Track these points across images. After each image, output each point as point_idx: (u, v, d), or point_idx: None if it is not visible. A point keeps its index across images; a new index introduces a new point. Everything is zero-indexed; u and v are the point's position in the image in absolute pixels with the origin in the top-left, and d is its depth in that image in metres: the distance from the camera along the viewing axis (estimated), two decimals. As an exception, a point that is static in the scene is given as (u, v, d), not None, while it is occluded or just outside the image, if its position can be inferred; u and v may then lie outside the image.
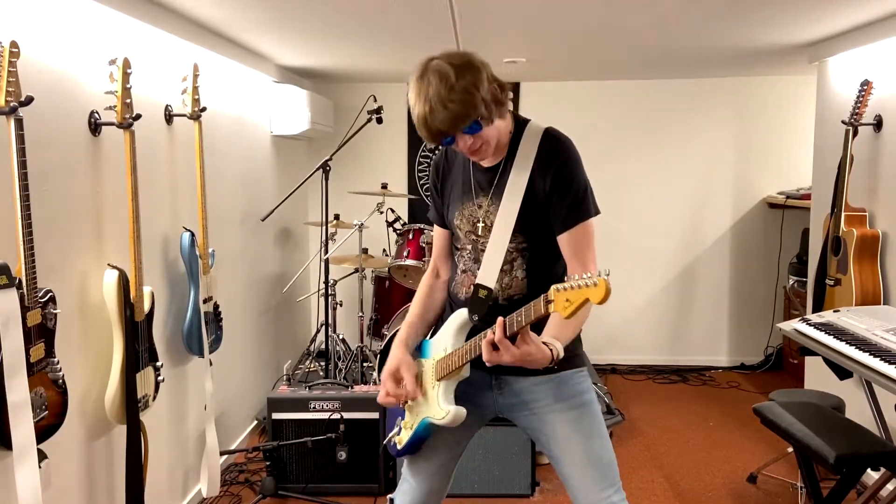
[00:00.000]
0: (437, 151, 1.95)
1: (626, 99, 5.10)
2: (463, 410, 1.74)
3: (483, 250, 1.80)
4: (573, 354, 1.79)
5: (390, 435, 1.93)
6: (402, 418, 1.91)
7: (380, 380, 2.01)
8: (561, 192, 1.74)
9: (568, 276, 1.45)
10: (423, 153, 5.22)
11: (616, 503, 1.73)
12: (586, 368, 1.87)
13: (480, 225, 1.81)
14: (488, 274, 1.78)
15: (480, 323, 1.75)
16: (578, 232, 1.75)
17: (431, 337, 1.91)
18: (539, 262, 1.79)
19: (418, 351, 1.91)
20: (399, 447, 1.90)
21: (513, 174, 1.76)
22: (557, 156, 1.75)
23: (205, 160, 2.92)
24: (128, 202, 2.27)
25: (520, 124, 1.81)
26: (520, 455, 3.15)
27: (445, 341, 1.80)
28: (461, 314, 1.79)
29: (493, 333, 1.56)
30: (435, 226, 2.02)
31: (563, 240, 1.76)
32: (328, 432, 3.14)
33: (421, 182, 5.24)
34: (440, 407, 1.76)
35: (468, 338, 1.74)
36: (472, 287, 1.82)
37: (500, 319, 1.56)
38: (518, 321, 1.53)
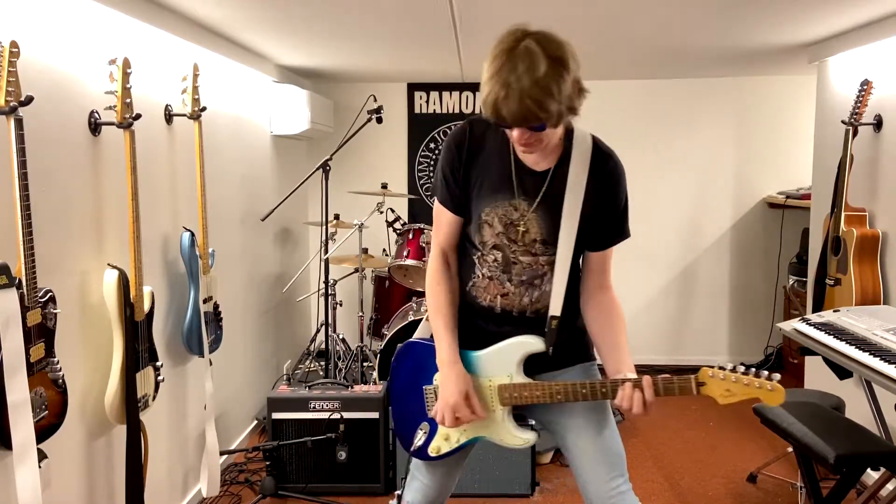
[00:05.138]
0: (467, 124, 1.78)
1: (626, 99, 5.10)
2: (537, 435, 1.82)
3: (515, 263, 1.76)
4: (588, 346, 1.86)
5: (415, 441, 1.87)
6: (427, 423, 1.88)
7: (386, 385, 1.97)
8: (612, 214, 1.76)
9: (721, 367, 1.59)
10: (422, 153, 5.22)
11: (625, 492, 1.76)
12: (596, 363, 1.90)
13: (521, 230, 1.73)
14: (558, 301, 1.75)
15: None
16: (610, 249, 1.80)
17: (467, 348, 1.83)
18: (568, 274, 1.77)
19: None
20: (435, 455, 1.88)
21: (570, 192, 1.69)
22: (615, 178, 1.74)
23: (205, 160, 2.92)
24: (128, 202, 2.27)
25: (569, 129, 1.73)
26: (520, 455, 3.14)
27: (507, 367, 1.78)
28: (532, 343, 1.76)
29: (644, 393, 1.63)
30: (442, 208, 1.82)
31: (597, 255, 1.80)
32: (328, 432, 3.14)
33: (421, 182, 5.23)
34: (516, 435, 1.81)
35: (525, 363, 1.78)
36: (497, 297, 1.79)
37: (648, 380, 1.64)
38: (667, 388, 1.64)
